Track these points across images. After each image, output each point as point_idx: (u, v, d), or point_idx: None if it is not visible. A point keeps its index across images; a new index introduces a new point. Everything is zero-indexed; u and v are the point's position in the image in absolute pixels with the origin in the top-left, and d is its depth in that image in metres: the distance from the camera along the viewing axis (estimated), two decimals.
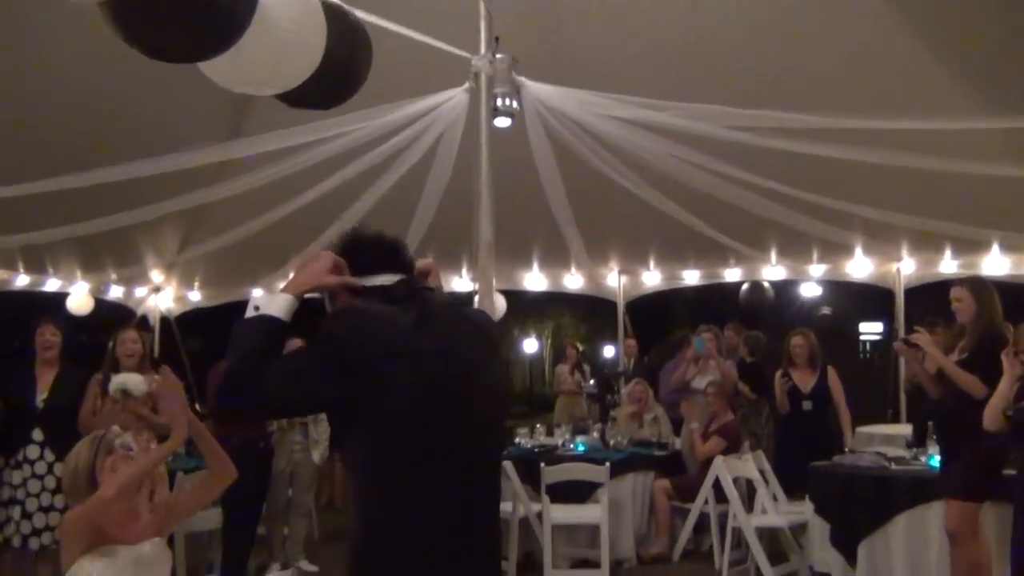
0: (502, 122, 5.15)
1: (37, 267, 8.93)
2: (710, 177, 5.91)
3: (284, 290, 2.15)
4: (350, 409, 2.08)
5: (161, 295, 10.66)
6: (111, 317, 10.44)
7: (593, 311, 21.23)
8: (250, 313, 2.10)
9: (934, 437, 5.88)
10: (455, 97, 5.28)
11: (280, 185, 5.96)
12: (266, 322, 2.09)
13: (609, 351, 23.41)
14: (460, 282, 10.35)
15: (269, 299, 2.11)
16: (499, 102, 5.07)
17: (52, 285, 9.60)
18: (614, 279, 10.64)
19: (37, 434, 5.20)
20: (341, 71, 3.48)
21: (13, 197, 5.38)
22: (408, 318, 2.13)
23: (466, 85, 5.18)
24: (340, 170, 5.97)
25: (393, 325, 2.11)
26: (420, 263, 2.40)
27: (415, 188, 6.34)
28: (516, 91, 5.16)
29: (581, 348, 12.72)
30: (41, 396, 5.29)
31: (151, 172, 5.36)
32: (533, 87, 5.25)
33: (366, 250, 2.27)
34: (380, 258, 2.27)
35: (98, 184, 5.37)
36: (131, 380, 5.28)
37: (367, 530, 2.12)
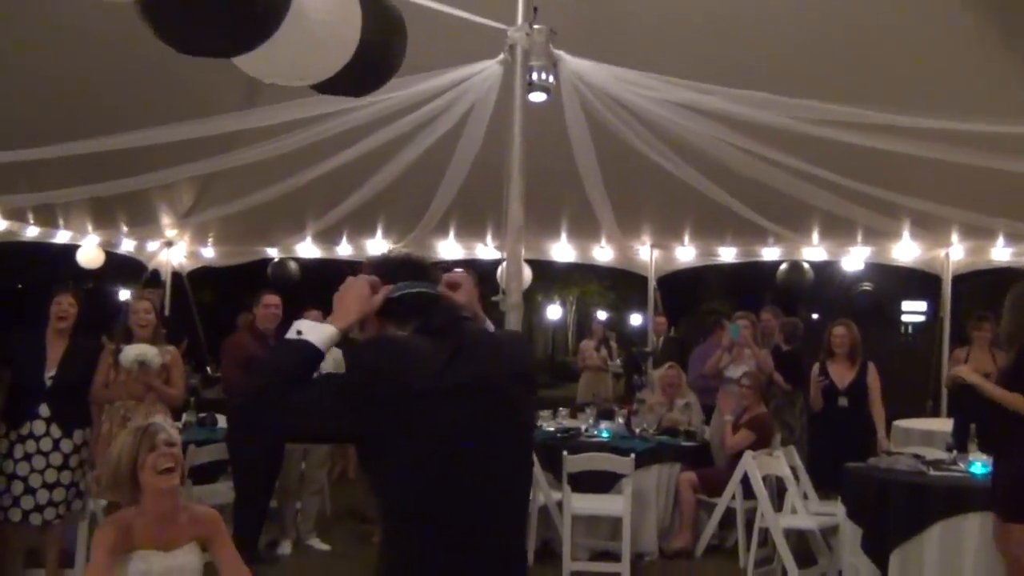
0: (537, 97, 4.84)
1: (47, 220, 8.81)
2: (754, 161, 5.62)
3: (331, 321, 2.13)
4: (372, 443, 2.07)
5: (173, 250, 10.56)
6: (121, 269, 10.32)
7: (621, 279, 20.90)
8: (292, 335, 2.10)
9: (976, 440, 5.62)
10: (488, 69, 4.99)
11: (302, 150, 5.75)
12: (304, 348, 2.07)
13: (636, 319, 23.10)
14: (485, 250, 10.15)
15: (313, 327, 2.10)
16: (535, 76, 4.77)
17: (62, 237, 9.51)
18: (646, 253, 10.33)
19: (43, 410, 5.11)
20: (375, 61, 3.32)
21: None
22: (443, 353, 2.09)
23: (500, 57, 4.88)
24: (365, 138, 5.75)
25: (426, 363, 2.06)
26: (448, 278, 2.32)
27: (444, 156, 6.10)
28: (553, 65, 4.84)
29: (605, 318, 12.53)
30: (49, 373, 5.19)
31: (170, 139, 5.21)
32: (571, 62, 4.93)
33: (393, 270, 2.22)
34: (407, 277, 2.22)
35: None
36: (148, 352, 5.35)
37: (390, 557, 2.13)
